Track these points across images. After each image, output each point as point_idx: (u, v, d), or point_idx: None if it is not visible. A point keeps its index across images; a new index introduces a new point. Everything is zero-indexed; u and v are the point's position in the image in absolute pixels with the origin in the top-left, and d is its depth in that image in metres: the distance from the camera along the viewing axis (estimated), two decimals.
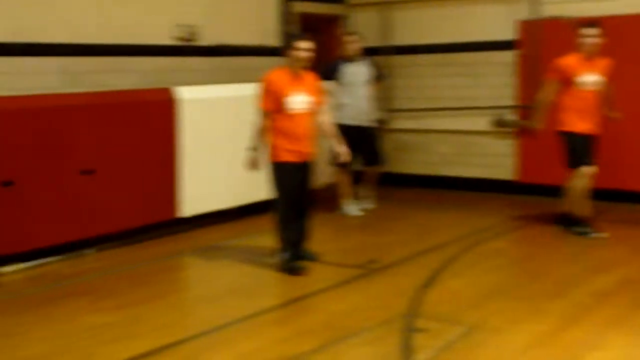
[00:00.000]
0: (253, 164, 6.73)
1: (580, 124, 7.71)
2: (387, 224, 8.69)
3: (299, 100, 6.54)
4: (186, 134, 8.14)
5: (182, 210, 8.21)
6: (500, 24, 10.07)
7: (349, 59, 8.92)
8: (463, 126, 10.48)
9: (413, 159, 10.87)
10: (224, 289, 6.38)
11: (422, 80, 10.68)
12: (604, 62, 7.75)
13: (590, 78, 7.69)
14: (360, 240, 7.57)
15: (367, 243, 7.30)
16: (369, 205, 9.33)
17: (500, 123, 10.16)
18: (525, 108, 9.82)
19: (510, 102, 10.07)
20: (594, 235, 7.78)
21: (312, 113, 6.69)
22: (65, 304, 5.98)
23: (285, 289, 6.32)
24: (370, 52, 9.60)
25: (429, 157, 10.80)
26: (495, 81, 10.18)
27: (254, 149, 6.67)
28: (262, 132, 6.59)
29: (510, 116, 10.09)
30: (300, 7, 10.38)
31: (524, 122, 9.59)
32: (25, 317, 5.69)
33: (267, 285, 6.47)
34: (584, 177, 7.73)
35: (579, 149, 7.72)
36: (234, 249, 7.74)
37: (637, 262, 6.95)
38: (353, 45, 8.93)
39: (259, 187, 8.94)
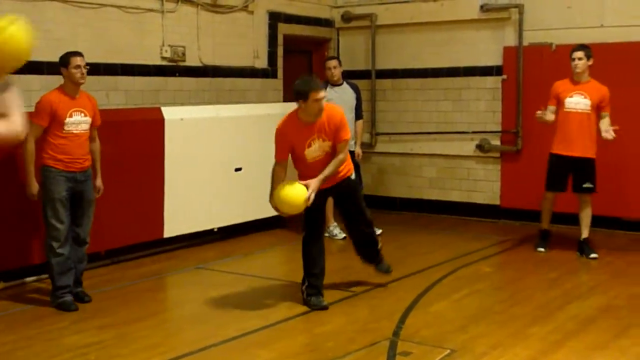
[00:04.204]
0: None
1: (560, 146, 7.95)
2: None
3: (315, 149, 6.17)
4: (173, 154, 8.16)
5: (169, 230, 8.21)
6: (485, 50, 10.19)
7: (334, 83, 8.95)
8: (448, 150, 10.57)
9: (397, 182, 10.93)
10: (210, 310, 6.38)
11: (407, 104, 10.78)
12: (596, 87, 7.90)
13: (574, 100, 7.87)
14: (344, 264, 7.59)
15: (351, 266, 7.32)
16: None
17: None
18: (509, 133, 9.93)
19: (495, 127, 10.17)
20: (538, 249, 8.30)
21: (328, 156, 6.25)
22: (48, 323, 5.96)
23: (270, 310, 6.32)
24: (355, 76, 9.69)
25: (413, 181, 10.87)
26: (480, 106, 10.29)
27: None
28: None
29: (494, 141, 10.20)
30: (287, 30, 10.46)
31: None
32: (7, 337, 5.65)
33: (252, 306, 6.47)
34: (549, 198, 8.23)
35: (552, 171, 8.05)
36: (220, 269, 7.75)
37: (618, 287, 7.02)
38: (335, 70, 8.96)
39: (245, 208, 9.03)
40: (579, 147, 7.92)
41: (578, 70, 7.87)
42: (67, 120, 6.27)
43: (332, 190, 6.43)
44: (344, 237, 8.89)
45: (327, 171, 6.17)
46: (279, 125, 6.23)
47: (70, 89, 6.35)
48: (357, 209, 6.60)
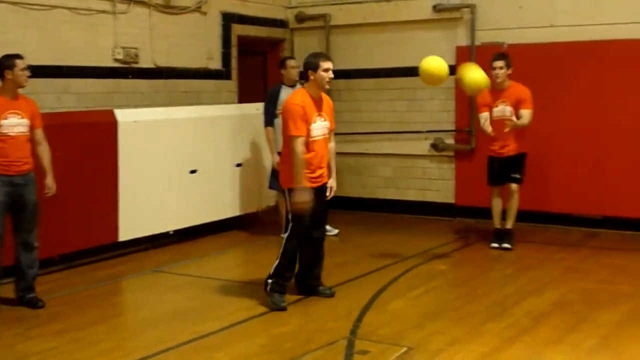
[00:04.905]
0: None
1: (495, 148, 8.43)
2: (329, 246, 8.67)
3: (318, 126, 6.31)
4: (127, 157, 8.08)
5: (124, 233, 8.13)
6: (438, 49, 10.20)
7: (289, 84, 8.94)
8: (402, 150, 10.63)
9: (353, 182, 10.96)
10: (166, 313, 6.34)
11: (362, 104, 10.82)
12: (515, 90, 8.25)
13: (500, 109, 8.29)
14: None
15: None
16: None
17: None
18: (463, 132, 10.04)
19: (449, 127, 10.26)
20: (492, 245, 8.49)
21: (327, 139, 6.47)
22: (2, 330, 5.86)
23: (227, 312, 6.30)
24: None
25: (369, 181, 10.92)
26: (434, 106, 10.37)
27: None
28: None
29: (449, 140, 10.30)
30: (241, 31, 10.43)
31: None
32: None
33: (209, 309, 6.45)
34: (493, 194, 8.54)
35: (489, 169, 8.53)
36: (177, 272, 7.70)
37: (571, 282, 7.14)
38: (294, 70, 8.97)
39: (201, 210, 8.99)
40: (511, 148, 8.34)
41: (499, 79, 8.24)
42: (3, 122, 6.17)
43: (318, 190, 6.40)
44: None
45: (334, 165, 6.57)
46: (292, 100, 6.33)
47: (10, 91, 6.27)
48: (324, 211, 6.61)
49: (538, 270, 7.73)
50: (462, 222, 10.04)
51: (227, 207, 9.39)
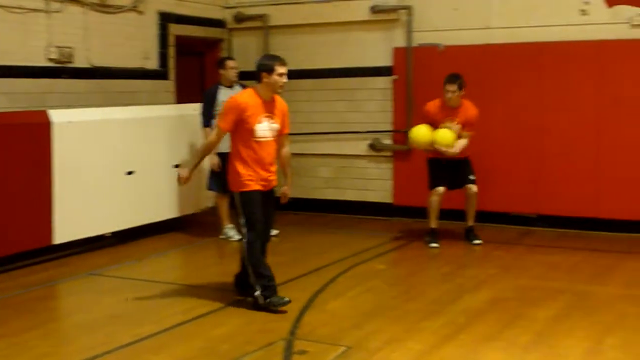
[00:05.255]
0: None
1: (433, 152, 8.57)
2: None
3: (265, 127, 6.26)
4: (61, 158, 7.94)
5: (59, 236, 7.98)
6: (376, 50, 10.36)
7: (227, 84, 8.90)
8: (341, 150, 10.68)
9: (294, 182, 10.89)
10: (103, 317, 6.24)
11: (301, 105, 10.80)
12: (466, 110, 8.48)
13: (447, 124, 8.44)
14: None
15: None
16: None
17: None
18: (401, 132, 10.12)
19: (387, 127, 10.34)
20: (432, 245, 8.60)
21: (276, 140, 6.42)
22: None
23: (164, 315, 6.23)
24: (249, 77, 9.62)
25: (309, 181, 10.93)
26: (372, 106, 10.44)
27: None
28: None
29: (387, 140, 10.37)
30: (178, 30, 10.34)
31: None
32: None
33: (147, 311, 6.38)
34: (435, 196, 8.63)
35: (433, 172, 8.67)
36: (113, 275, 7.59)
37: (506, 280, 7.27)
38: (234, 71, 8.93)
39: (138, 212, 8.88)
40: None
41: (452, 103, 8.43)
42: None
43: (266, 193, 6.34)
44: (240, 239, 8.85)
45: (290, 171, 6.71)
46: (237, 96, 6.34)
47: None
48: (272, 215, 6.54)
49: (475, 268, 7.85)
50: (400, 221, 10.12)
51: (165, 208, 9.29)
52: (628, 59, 9.04)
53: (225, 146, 8.46)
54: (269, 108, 6.30)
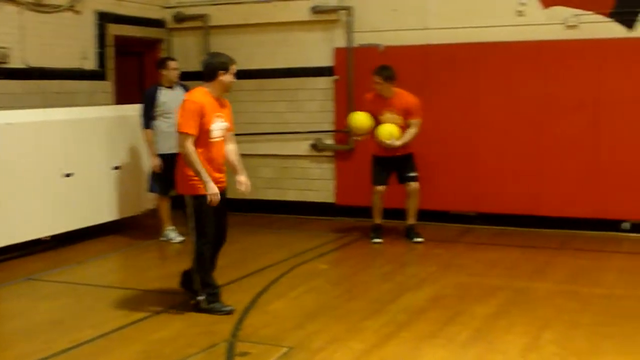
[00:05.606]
0: None
1: (382, 149, 8.60)
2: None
3: (218, 126, 6.19)
4: None
5: None
6: (317, 51, 10.38)
7: (167, 85, 8.82)
8: (283, 150, 10.68)
9: (235, 183, 10.87)
10: (41, 322, 6.14)
11: (243, 105, 10.75)
12: (402, 99, 8.55)
13: (387, 116, 8.53)
14: (182, 267, 7.50)
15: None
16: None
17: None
18: (342, 132, 10.17)
19: (328, 127, 10.37)
20: (375, 241, 8.77)
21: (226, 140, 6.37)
22: None
23: (104, 319, 6.16)
24: (190, 77, 9.58)
25: (251, 182, 10.79)
26: (314, 106, 10.47)
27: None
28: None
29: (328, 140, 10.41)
30: (117, 30, 10.21)
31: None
32: None
33: (85, 316, 6.29)
34: (378, 193, 8.72)
35: (376, 169, 8.74)
36: (52, 279, 7.47)
37: (446, 278, 7.36)
38: (175, 71, 8.86)
39: (77, 215, 8.75)
40: (400, 148, 8.56)
41: (383, 93, 8.55)
42: None
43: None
44: (181, 241, 8.80)
45: (240, 164, 6.58)
46: (192, 96, 6.16)
47: None
48: (225, 215, 6.45)
49: (415, 266, 7.93)
50: (342, 221, 10.17)
51: (104, 211, 9.17)
52: (564, 59, 9.21)
53: (167, 147, 8.48)
54: (220, 107, 6.27)
